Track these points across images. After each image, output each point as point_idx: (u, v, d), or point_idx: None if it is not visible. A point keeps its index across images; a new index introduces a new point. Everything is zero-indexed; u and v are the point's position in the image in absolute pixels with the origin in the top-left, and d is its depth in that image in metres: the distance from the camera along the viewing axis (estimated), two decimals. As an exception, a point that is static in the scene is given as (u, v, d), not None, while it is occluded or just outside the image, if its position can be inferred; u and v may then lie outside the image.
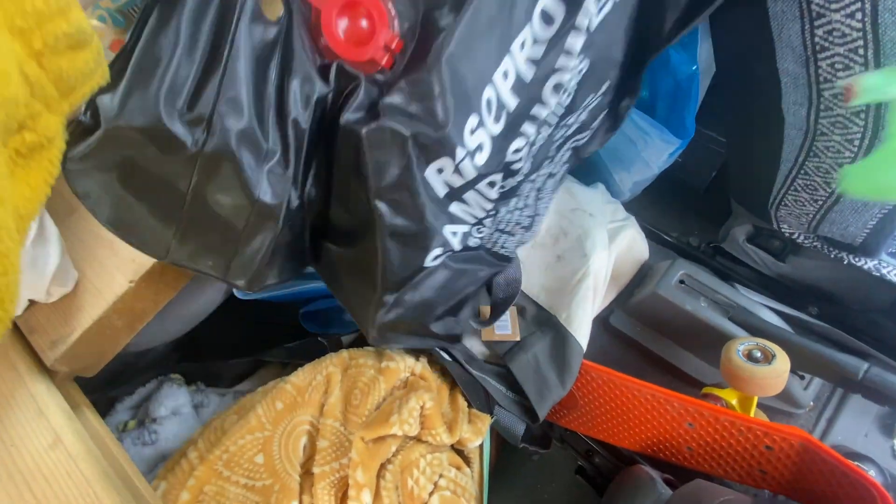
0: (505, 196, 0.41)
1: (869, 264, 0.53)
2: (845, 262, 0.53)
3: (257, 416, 0.37)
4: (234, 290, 0.47)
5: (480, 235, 0.44)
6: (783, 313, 0.61)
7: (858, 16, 0.33)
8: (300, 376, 0.40)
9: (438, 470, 0.38)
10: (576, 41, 0.33)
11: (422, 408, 0.39)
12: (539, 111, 0.36)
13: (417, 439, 0.39)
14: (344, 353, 0.43)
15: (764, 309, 0.59)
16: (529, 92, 0.34)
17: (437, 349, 0.49)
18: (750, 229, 0.63)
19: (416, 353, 0.45)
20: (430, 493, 0.37)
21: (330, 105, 0.32)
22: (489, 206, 0.40)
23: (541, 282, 0.59)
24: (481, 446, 0.44)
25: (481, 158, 0.35)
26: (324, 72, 0.32)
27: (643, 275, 0.68)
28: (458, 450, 0.44)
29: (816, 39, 0.36)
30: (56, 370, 0.34)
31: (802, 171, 0.46)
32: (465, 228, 0.40)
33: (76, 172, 0.29)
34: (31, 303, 0.34)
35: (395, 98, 0.30)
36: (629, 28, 0.37)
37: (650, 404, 0.53)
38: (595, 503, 0.63)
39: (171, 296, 0.36)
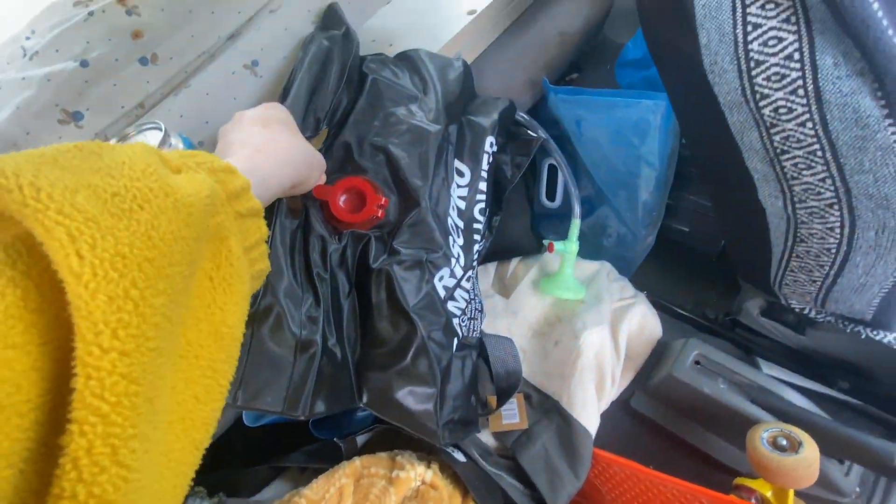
0: (473, 288, 0.54)
1: (889, 337, 0.51)
2: (863, 336, 0.52)
3: (272, 534, 0.38)
4: (244, 417, 0.51)
5: (464, 325, 0.51)
6: (810, 391, 0.59)
7: (809, 125, 0.36)
8: (314, 489, 0.41)
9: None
10: (482, 184, 0.54)
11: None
12: (476, 226, 0.54)
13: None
14: (357, 462, 0.44)
15: (787, 388, 0.57)
16: (465, 215, 0.53)
17: (454, 447, 0.50)
18: (762, 303, 0.63)
19: (427, 459, 0.45)
20: None
21: (352, 261, 0.44)
22: (468, 296, 0.53)
23: (542, 369, 0.59)
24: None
25: (460, 262, 0.51)
26: (335, 234, 0.44)
27: (659, 353, 0.67)
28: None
29: (776, 144, 0.39)
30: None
31: (794, 255, 0.47)
32: (457, 321, 0.50)
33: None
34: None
35: (403, 237, 0.44)
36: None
37: (677, 500, 0.50)
38: None
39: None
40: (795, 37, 0.34)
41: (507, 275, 0.73)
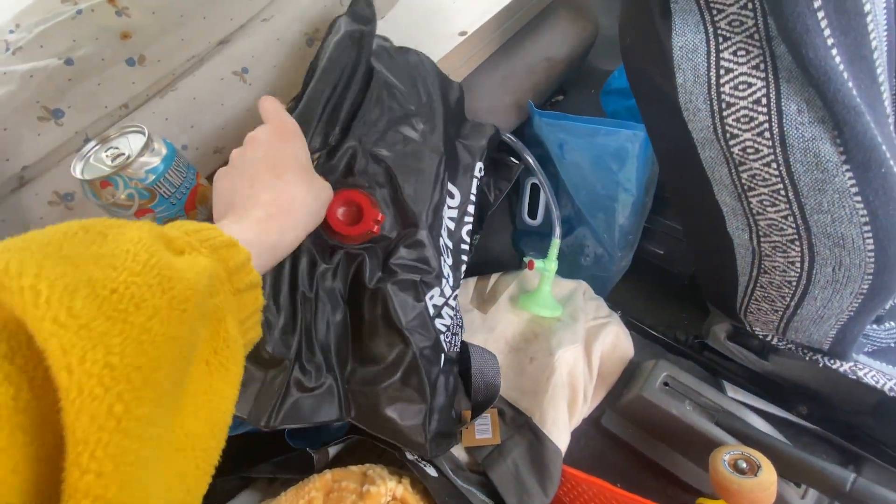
0: (456, 304, 0.56)
1: (844, 367, 0.54)
2: (821, 365, 0.55)
3: (237, 550, 0.37)
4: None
5: (447, 341, 0.52)
6: (772, 415, 0.61)
7: (774, 165, 0.38)
8: (282, 501, 0.41)
9: None
10: (470, 207, 0.55)
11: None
12: (464, 246, 0.56)
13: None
14: (328, 475, 0.43)
15: (750, 412, 0.59)
16: (454, 236, 0.54)
17: (426, 462, 0.50)
18: (729, 328, 0.65)
19: (398, 474, 0.45)
20: None
21: (345, 280, 0.45)
22: (453, 313, 0.54)
23: (517, 384, 0.60)
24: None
25: (450, 282, 0.52)
26: (326, 255, 0.44)
27: (630, 373, 0.68)
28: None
29: (743, 180, 0.41)
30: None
31: (758, 285, 0.49)
32: (443, 338, 0.51)
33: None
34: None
35: (400, 257, 0.45)
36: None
37: (644, 520, 0.51)
38: None
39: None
40: (764, 83, 0.36)
41: (486, 290, 0.74)
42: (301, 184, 0.34)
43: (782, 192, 0.39)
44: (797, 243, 0.42)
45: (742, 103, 0.37)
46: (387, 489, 0.42)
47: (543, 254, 0.89)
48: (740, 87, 0.37)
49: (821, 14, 0.33)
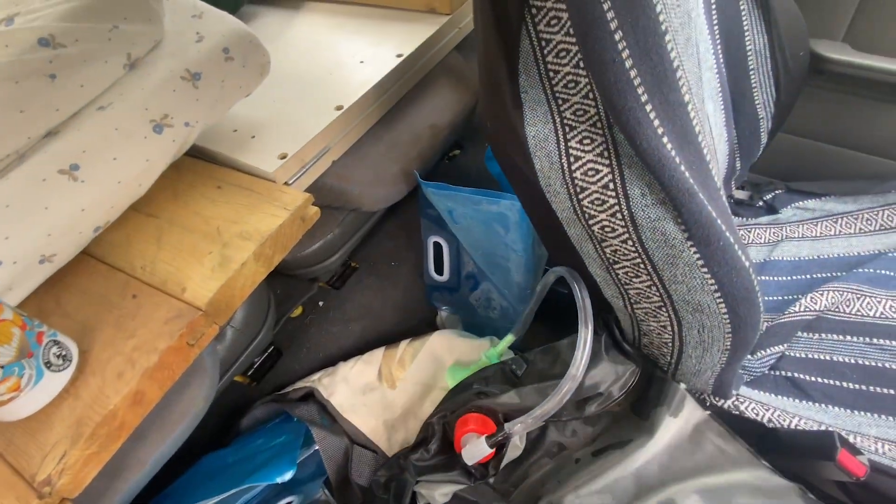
0: None
1: (727, 403, 0.57)
2: (707, 403, 0.57)
3: None
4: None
5: None
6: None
7: (630, 242, 0.40)
8: None
9: None
10: None
11: None
12: None
13: None
14: None
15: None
16: None
17: None
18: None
19: None
20: None
21: None
22: None
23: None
24: None
25: None
26: None
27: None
28: None
29: (608, 255, 0.43)
30: None
31: (643, 344, 0.51)
32: None
33: None
34: None
35: None
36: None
37: None
38: None
39: None
40: (609, 169, 0.38)
41: (394, 361, 0.71)
42: None
43: (642, 266, 0.41)
44: (664, 310, 0.44)
45: (593, 187, 0.39)
46: None
47: (456, 307, 0.89)
48: (589, 173, 0.39)
49: (649, 107, 0.35)
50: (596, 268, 0.45)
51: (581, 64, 0.36)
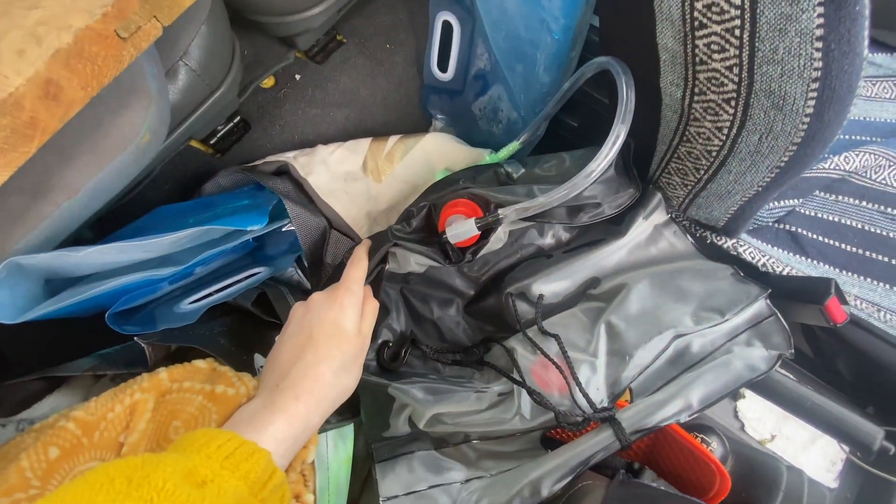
0: None
1: (728, 243, 0.55)
2: (708, 241, 0.55)
3: (20, 471, 0.28)
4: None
5: None
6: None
7: (737, -8, 0.30)
8: (91, 408, 0.31)
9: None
10: None
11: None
12: None
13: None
14: (162, 374, 0.34)
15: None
16: None
17: None
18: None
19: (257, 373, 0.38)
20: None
21: None
22: None
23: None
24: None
25: None
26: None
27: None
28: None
29: (696, 14, 0.32)
30: None
31: (676, 155, 0.44)
32: None
33: None
34: None
35: None
36: None
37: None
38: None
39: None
40: None
41: (382, 154, 0.62)
42: (332, 359, 0.36)
43: (737, 33, 0.31)
44: (732, 104, 0.36)
45: None
46: (247, 390, 0.34)
47: (455, 118, 0.78)
48: None
49: None
50: (669, 37, 0.35)
51: None
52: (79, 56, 0.29)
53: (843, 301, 0.49)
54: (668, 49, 0.36)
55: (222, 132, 0.62)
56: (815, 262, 0.57)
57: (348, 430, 0.41)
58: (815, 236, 0.58)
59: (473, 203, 0.46)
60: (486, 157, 0.58)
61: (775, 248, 0.57)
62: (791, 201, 0.59)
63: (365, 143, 0.62)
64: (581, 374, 0.43)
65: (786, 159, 0.37)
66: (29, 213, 0.34)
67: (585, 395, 0.41)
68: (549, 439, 0.45)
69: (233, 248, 0.47)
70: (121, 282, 0.38)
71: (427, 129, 0.79)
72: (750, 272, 0.55)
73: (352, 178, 0.58)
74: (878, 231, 0.58)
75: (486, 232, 0.48)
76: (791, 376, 0.46)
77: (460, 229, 0.45)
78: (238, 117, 0.63)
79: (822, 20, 0.29)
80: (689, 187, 0.47)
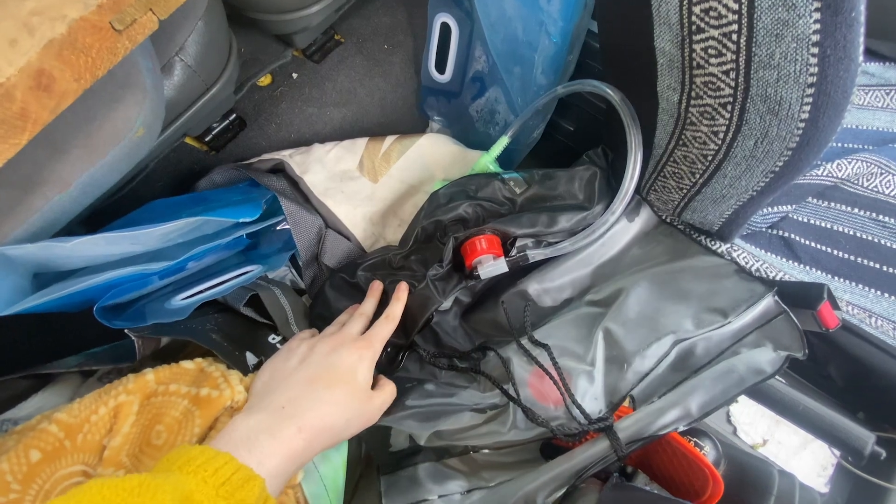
0: None
1: (722, 248, 0.55)
2: (703, 245, 0.55)
3: (0, 474, 0.27)
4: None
5: None
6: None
7: (734, -3, 0.30)
8: (74, 410, 0.31)
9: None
10: None
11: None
12: None
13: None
14: (149, 375, 0.34)
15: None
16: None
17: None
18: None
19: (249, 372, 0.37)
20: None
21: None
22: None
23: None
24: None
25: None
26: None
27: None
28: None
29: (694, 18, 0.32)
30: None
31: (671, 159, 0.45)
32: None
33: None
34: None
35: None
36: None
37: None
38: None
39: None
40: None
41: (378, 154, 0.62)
42: (343, 406, 0.35)
43: (734, 37, 0.32)
44: (728, 108, 0.36)
45: None
46: (232, 392, 0.34)
47: (451, 120, 0.78)
48: None
49: None
50: (667, 40, 0.35)
51: None
52: (72, 47, 0.29)
53: (836, 306, 0.50)
54: (666, 53, 0.36)
55: (218, 129, 0.61)
56: (807, 267, 0.57)
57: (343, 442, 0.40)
58: (807, 242, 0.59)
59: (495, 236, 0.48)
60: (480, 158, 0.58)
61: (769, 253, 0.58)
62: (784, 207, 0.59)
63: (361, 142, 0.62)
64: (578, 385, 0.42)
65: (780, 164, 0.38)
66: (19, 206, 0.33)
67: (579, 407, 0.41)
68: (550, 447, 0.45)
69: (226, 245, 0.47)
70: (110, 275, 0.38)
71: (424, 131, 0.79)
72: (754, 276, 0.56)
73: (348, 178, 0.58)
74: (870, 238, 0.59)
75: None
76: (783, 381, 0.46)
77: (492, 267, 0.47)
78: (234, 115, 0.62)
79: (818, 26, 0.29)
80: (685, 191, 0.47)
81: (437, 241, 0.49)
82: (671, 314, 0.45)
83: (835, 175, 0.62)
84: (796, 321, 0.44)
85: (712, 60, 0.34)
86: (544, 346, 0.44)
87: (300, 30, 0.60)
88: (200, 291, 0.48)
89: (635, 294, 0.47)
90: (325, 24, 0.64)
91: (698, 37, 0.33)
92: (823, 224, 0.60)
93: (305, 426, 0.32)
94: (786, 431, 0.60)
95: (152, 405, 0.32)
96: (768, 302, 0.45)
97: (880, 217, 0.59)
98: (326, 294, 0.50)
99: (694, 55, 0.34)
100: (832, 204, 0.61)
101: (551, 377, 0.42)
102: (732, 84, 0.34)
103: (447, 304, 0.48)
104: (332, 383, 0.35)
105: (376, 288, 0.47)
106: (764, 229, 0.59)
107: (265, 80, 0.66)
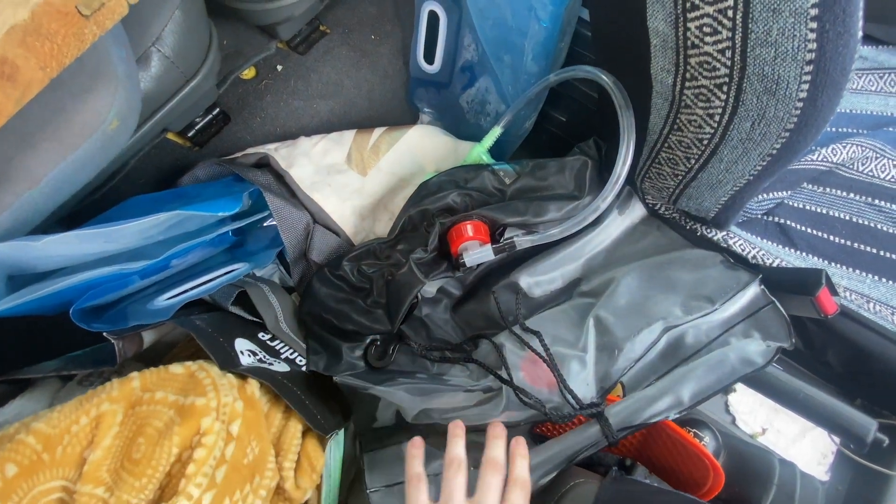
0: None
1: (718, 235, 0.54)
2: (699, 234, 0.54)
3: (-26, 486, 0.26)
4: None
5: None
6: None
7: (730, -30, 0.29)
8: (53, 420, 0.29)
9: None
10: None
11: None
12: None
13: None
14: (135, 382, 0.32)
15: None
16: None
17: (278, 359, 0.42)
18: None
19: (242, 376, 0.36)
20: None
21: None
22: None
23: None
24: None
25: None
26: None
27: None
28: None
29: (687, -6, 0.31)
30: None
31: (666, 145, 0.44)
32: None
33: None
34: None
35: None
36: None
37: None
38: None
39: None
40: None
41: (367, 147, 0.60)
42: None
43: (730, 14, 0.31)
44: (724, 89, 0.35)
45: None
46: (219, 402, 0.32)
47: (442, 111, 0.76)
48: None
49: None
50: (660, 19, 0.34)
51: None
52: (36, 33, 0.27)
53: (834, 292, 0.49)
54: (660, 33, 0.35)
55: (200, 124, 0.59)
56: (804, 253, 0.57)
57: (341, 435, 0.39)
58: (803, 228, 0.58)
59: (482, 223, 0.47)
60: (472, 149, 0.57)
61: (765, 240, 0.57)
62: (780, 193, 0.58)
63: (349, 134, 0.60)
64: (571, 370, 0.42)
65: (778, 146, 0.37)
66: (-15, 203, 0.32)
67: (570, 392, 0.40)
68: (537, 436, 0.44)
69: (211, 242, 0.45)
70: (87, 276, 0.36)
71: (414, 123, 0.77)
72: (740, 264, 0.55)
73: (336, 171, 0.56)
74: (866, 222, 0.58)
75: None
76: (780, 368, 0.46)
77: (477, 254, 0.45)
78: (217, 109, 0.61)
79: (816, -1, 0.28)
80: (680, 177, 0.46)
81: (423, 229, 0.48)
82: (660, 302, 0.44)
83: (830, 160, 0.61)
84: (783, 311, 0.44)
85: (707, 39, 0.33)
86: (536, 333, 0.43)
87: (283, 20, 0.58)
88: (185, 290, 0.46)
89: (625, 284, 0.47)
90: (309, 15, 0.63)
91: (693, 14, 0.32)
92: (819, 210, 0.59)
93: None
94: (784, 420, 0.59)
95: (137, 415, 0.31)
96: (755, 291, 0.45)
97: (876, 201, 0.59)
98: (314, 290, 0.49)
99: (689, 34, 0.33)
100: (828, 189, 0.60)
101: (544, 360, 0.41)
102: (728, 63, 0.33)
103: (431, 289, 0.47)
104: None
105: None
106: (760, 216, 0.58)
107: (249, 73, 0.64)
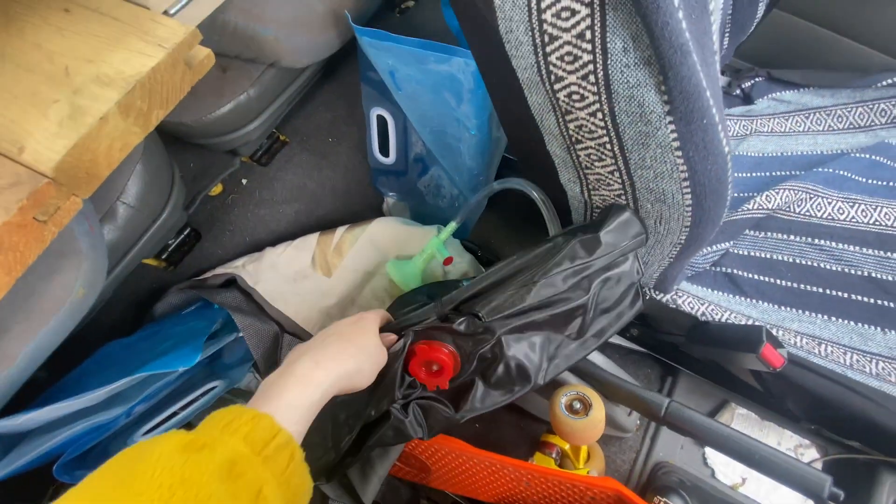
0: None
1: (666, 297, 0.57)
2: (647, 297, 0.57)
3: None
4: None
5: None
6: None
7: (599, 115, 0.33)
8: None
9: None
10: None
11: None
12: None
13: None
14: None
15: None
16: None
17: None
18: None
19: None
20: None
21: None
22: None
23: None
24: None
25: None
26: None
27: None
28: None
29: (570, 131, 0.36)
30: None
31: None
32: None
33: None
34: None
35: None
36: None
37: (491, 468, 0.53)
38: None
39: None
40: (588, 10, 0.29)
41: (330, 248, 0.64)
42: (355, 345, 0.36)
43: (608, 147, 0.35)
44: (624, 198, 0.39)
45: (565, 37, 0.30)
46: None
47: (404, 194, 0.81)
48: (563, 14, 0.29)
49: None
50: (556, 146, 0.38)
51: None
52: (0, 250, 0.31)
53: (778, 345, 0.51)
54: (558, 155, 0.39)
55: (173, 245, 0.64)
56: (753, 300, 0.59)
57: None
58: (750, 275, 0.61)
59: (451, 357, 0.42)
60: (430, 241, 0.61)
61: (715, 291, 0.60)
62: (723, 245, 0.62)
63: (313, 238, 0.64)
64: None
65: (683, 239, 0.40)
66: (-36, 389, 0.35)
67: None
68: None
69: (182, 374, 0.48)
70: (66, 434, 0.39)
71: (381, 206, 0.82)
72: (690, 322, 0.58)
73: (301, 277, 0.60)
74: (809, 262, 0.60)
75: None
76: (738, 429, 0.47)
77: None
78: (188, 228, 0.65)
79: (675, 134, 0.32)
80: (612, 260, 0.49)
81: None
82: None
83: (765, 207, 0.65)
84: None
85: (597, 164, 0.37)
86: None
87: (243, 144, 0.64)
88: (164, 420, 0.49)
89: None
90: (266, 133, 0.68)
91: (580, 146, 0.36)
92: (763, 255, 0.62)
93: (322, 359, 0.33)
94: (764, 465, 0.60)
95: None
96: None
97: (817, 241, 0.61)
98: None
99: (580, 158, 0.37)
100: (769, 234, 0.63)
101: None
102: (620, 181, 0.37)
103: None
104: (343, 333, 0.36)
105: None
106: (707, 268, 0.61)
107: (216, 189, 0.69)
